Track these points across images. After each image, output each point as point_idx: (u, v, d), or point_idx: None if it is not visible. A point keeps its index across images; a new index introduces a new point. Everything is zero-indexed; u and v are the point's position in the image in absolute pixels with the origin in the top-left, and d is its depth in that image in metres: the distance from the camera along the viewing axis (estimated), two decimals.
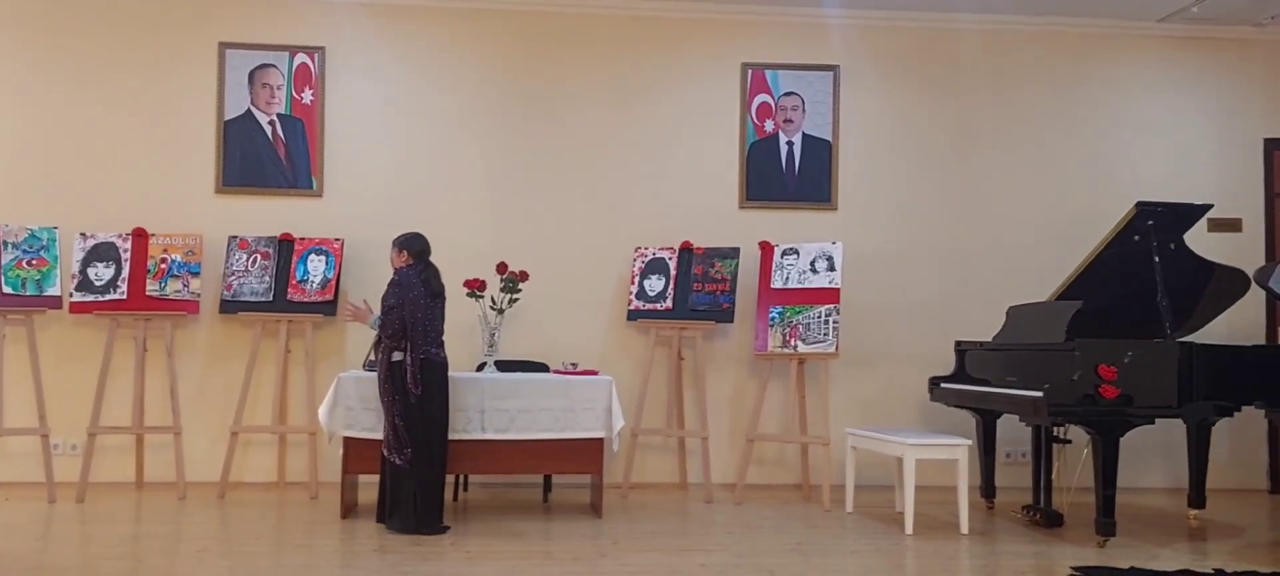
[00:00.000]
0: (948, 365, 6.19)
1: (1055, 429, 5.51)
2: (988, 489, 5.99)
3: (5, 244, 5.93)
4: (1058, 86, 7.03)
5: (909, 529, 5.21)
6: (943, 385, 5.99)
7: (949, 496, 5.46)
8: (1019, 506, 5.74)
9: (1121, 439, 4.86)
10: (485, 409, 5.39)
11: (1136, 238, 5.37)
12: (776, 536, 5.14)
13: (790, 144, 6.85)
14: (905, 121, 6.97)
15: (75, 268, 6.11)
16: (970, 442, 5.42)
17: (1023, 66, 7.03)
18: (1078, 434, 5.28)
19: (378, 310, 5.20)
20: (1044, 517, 5.45)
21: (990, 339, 5.94)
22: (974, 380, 5.85)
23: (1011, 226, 6.96)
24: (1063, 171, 7.01)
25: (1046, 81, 7.03)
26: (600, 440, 5.49)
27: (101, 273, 6.14)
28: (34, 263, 5.97)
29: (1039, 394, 4.89)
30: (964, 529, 5.23)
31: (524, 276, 5.94)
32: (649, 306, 6.52)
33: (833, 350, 6.11)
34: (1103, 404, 4.78)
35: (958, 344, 6.08)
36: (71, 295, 6.08)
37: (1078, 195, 6.96)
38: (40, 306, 5.93)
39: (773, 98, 6.85)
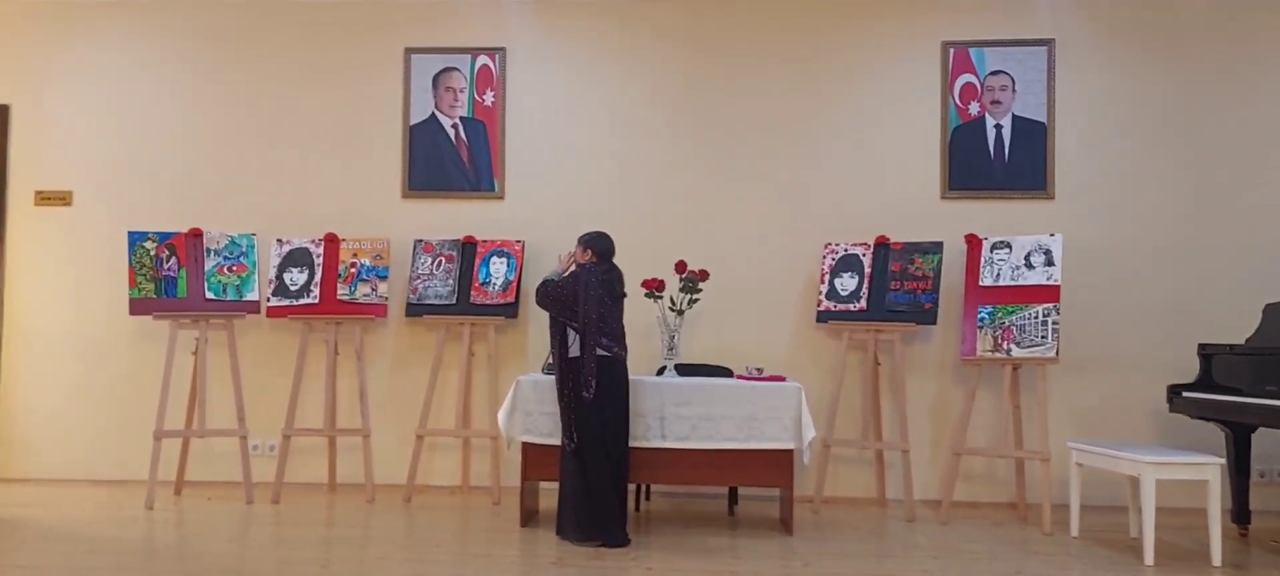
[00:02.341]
0: (1184, 371, 5.46)
1: None
2: (1240, 513, 5.19)
3: (208, 251, 6.15)
4: None
5: (1149, 558, 4.54)
6: (1185, 394, 5.25)
7: (1191, 520, 4.77)
8: None
9: None
10: (665, 415, 5.12)
11: None
12: (991, 562, 4.60)
13: (998, 127, 6.24)
14: (1131, 98, 6.22)
15: (272, 272, 6.28)
16: (1221, 460, 4.68)
17: (1267, 32, 6.13)
18: None
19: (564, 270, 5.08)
20: None
21: (1242, 341, 5.17)
22: (1224, 388, 5.09)
23: (1259, 214, 6.09)
24: None
25: None
26: (789, 451, 5.11)
27: (295, 277, 6.28)
28: (234, 269, 6.16)
29: None
30: (1216, 560, 4.51)
31: (704, 275, 5.62)
32: (841, 307, 6.07)
33: (1052, 354, 5.48)
34: None
35: (1202, 347, 5.32)
36: (268, 300, 6.25)
37: None
38: (240, 311, 6.11)
39: (977, 78, 6.26)
